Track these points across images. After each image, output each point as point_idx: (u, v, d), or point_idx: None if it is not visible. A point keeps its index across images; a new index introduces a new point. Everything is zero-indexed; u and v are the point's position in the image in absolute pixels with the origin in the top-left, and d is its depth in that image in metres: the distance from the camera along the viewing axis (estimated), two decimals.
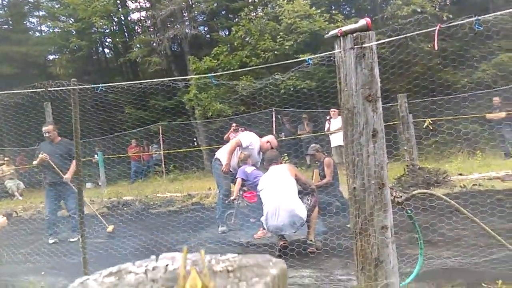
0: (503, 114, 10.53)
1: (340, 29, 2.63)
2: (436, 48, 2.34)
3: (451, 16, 12.52)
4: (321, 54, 2.84)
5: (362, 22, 2.62)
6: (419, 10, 13.25)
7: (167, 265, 0.59)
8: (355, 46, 2.59)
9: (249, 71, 13.63)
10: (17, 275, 4.71)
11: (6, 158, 14.77)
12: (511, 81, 11.17)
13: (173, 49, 19.74)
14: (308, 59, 2.67)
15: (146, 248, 5.34)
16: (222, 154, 6.67)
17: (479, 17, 2.34)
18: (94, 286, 0.54)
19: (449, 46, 11.99)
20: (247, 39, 15.51)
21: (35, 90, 3.14)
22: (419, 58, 12.67)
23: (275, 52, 14.07)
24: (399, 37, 2.63)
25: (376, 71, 2.60)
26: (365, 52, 2.58)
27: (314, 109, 13.43)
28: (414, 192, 2.70)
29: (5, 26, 22.15)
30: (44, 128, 6.92)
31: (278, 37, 14.28)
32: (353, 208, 2.62)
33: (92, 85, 3.22)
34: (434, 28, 2.40)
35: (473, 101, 11.78)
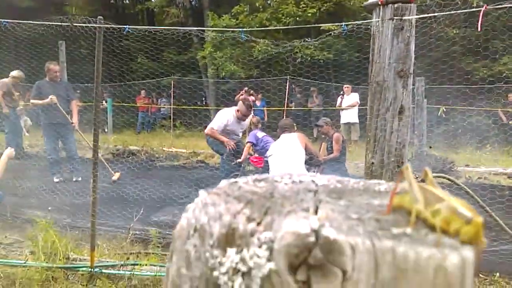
0: None
1: None
2: (479, 30, 2.26)
3: None
4: (358, 22, 2.74)
5: None
6: None
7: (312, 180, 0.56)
8: (395, 17, 2.49)
9: (267, 36, 13.37)
10: (23, 208, 4.77)
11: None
12: None
13: (192, 2, 19.37)
14: (344, 25, 2.59)
15: (151, 198, 5.39)
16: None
17: None
18: (246, 187, 0.52)
19: (472, 35, 11.69)
20: (269, 1, 15.14)
21: (61, 23, 3.06)
22: (441, 42, 12.35)
23: (297, 18, 13.74)
24: (442, 13, 2.53)
25: (412, 47, 2.51)
26: (404, 25, 2.48)
27: (328, 82, 13.24)
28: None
29: None
30: (54, 67, 6.54)
31: (302, 3, 13.93)
32: None
33: (118, 26, 3.14)
34: (480, 8, 2.30)
35: (490, 94, 11.59)
